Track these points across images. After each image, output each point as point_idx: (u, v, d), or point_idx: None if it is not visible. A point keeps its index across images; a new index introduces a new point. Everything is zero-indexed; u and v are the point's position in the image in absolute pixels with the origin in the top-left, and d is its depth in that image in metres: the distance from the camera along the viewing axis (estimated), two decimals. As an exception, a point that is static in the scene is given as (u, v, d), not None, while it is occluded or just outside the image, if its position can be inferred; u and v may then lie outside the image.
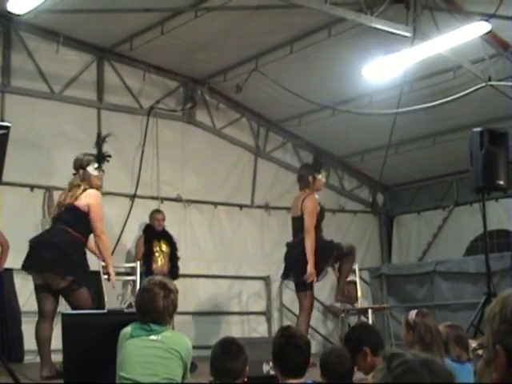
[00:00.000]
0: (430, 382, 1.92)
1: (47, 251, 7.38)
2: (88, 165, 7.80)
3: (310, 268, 8.83)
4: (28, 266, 7.57)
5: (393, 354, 2.03)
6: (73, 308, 7.34)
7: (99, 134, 8.55)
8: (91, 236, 7.76)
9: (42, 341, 7.34)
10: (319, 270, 9.09)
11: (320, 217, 9.22)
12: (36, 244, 7.55)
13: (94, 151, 8.09)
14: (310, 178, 9.26)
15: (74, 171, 7.89)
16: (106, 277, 7.94)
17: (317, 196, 9.29)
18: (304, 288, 9.02)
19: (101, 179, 8.00)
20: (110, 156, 8.09)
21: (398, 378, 1.94)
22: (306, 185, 9.28)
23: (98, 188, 7.85)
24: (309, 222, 8.97)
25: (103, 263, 8.08)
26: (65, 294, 7.42)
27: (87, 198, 7.60)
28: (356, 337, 5.24)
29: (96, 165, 7.85)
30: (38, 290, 7.50)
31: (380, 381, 1.99)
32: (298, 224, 9.15)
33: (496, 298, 1.81)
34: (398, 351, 2.06)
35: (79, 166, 7.81)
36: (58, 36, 11.00)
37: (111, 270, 7.78)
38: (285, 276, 9.52)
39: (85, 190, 7.66)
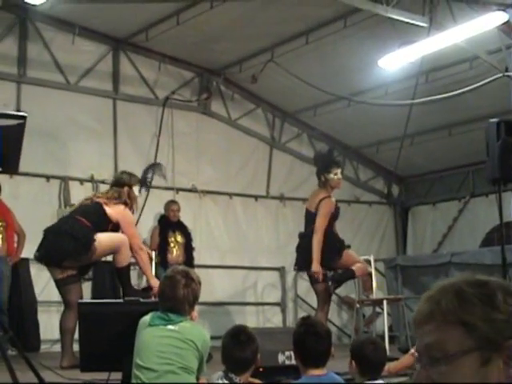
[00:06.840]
0: None
1: (60, 240, 7.42)
2: (135, 185, 7.89)
3: (315, 266, 8.85)
4: (40, 256, 7.61)
5: None
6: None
7: (154, 163, 8.61)
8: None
9: (66, 331, 7.38)
10: (327, 268, 9.09)
11: (334, 217, 9.16)
12: (47, 234, 7.57)
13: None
14: (322, 178, 9.19)
15: (110, 183, 8.00)
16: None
17: (333, 199, 9.17)
18: (316, 280, 9.00)
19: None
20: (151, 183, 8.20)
21: None
22: (321, 184, 9.20)
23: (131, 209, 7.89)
24: (320, 223, 8.89)
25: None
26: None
27: (118, 211, 7.64)
28: None
29: (139, 187, 7.98)
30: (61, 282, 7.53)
31: None
32: (310, 217, 9.10)
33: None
34: None
35: (127, 183, 7.82)
36: (73, 27, 11.02)
37: (153, 282, 7.67)
38: (298, 267, 9.53)
39: (119, 203, 7.68)
